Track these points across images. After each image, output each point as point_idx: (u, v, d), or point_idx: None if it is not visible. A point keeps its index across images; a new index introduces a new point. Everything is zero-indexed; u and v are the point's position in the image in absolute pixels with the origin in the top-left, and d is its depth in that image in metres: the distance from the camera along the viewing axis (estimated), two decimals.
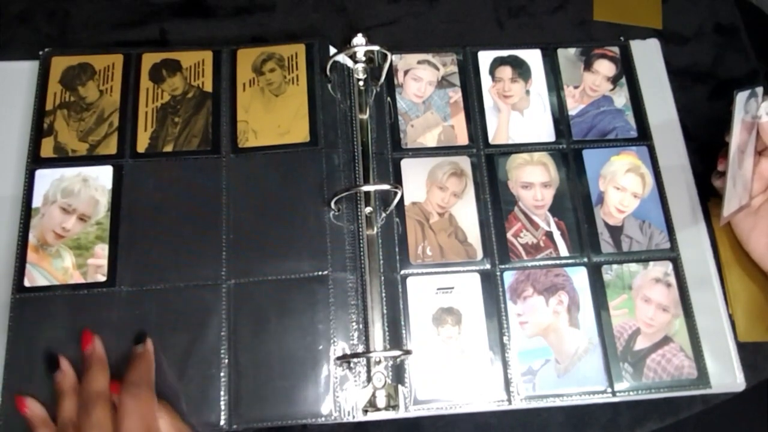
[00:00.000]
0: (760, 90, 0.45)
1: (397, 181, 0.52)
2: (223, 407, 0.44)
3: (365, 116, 0.53)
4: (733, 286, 0.51)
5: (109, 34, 0.58)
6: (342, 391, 0.45)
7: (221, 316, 0.46)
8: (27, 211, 0.48)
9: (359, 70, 0.54)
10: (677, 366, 0.47)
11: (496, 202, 0.52)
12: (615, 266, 0.50)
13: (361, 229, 0.49)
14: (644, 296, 0.49)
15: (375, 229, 0.50)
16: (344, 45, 0.53)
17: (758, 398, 0.48)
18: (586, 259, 0.50)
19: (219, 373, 0.45)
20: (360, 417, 0.45)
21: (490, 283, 0.49)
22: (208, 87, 0.53)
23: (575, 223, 0.51)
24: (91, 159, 0.50)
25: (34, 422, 0.42)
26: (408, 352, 0.46)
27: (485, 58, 0.57)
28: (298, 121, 0.52)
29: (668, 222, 0.52)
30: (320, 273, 0.47)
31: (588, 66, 0.57)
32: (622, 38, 0.59)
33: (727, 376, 0.47)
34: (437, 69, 0.56)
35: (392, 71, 0.55)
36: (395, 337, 0.47)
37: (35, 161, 0.50)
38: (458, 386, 0.46)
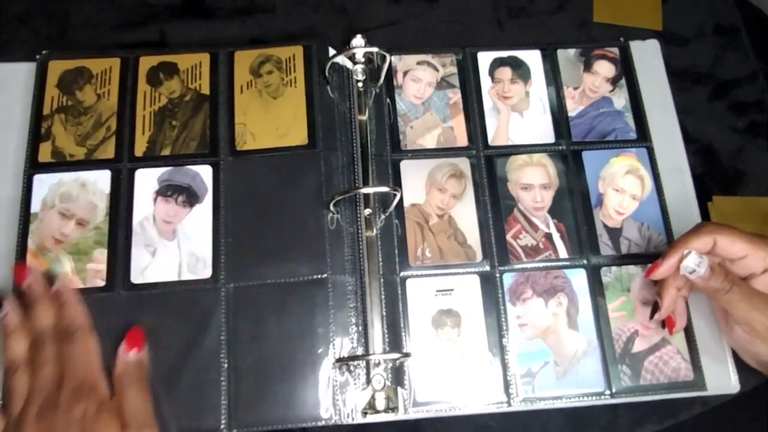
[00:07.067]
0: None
1: (397, 182, 0.52)
2: (223, 412, 0.44)
3: (364, 118, 0.53)
4: None
5: (109, 36, 0.58)
6: (341, 393, 0.45)
7: (220, 320, 0.46)
8: (26, 217, 0.48)
9: (358, 72, 0.54)
10: (674, 368, 0.47)
11: (495, 203, 0.52)
12: (614, 268, 0.50)
13: (360, 231, 0.49)
14: (643, 298, 0.49)
15: (374, 230, 0.50)
16: (344, 46, 0.53)
17: (756, 401, 0.48)
18: (585, 261, 0.50)
19: (219, 377, 0.45)
20: (359, 419, 0.45)
21: (490, 285, 0.49)
22: (206, 89, 0.53)
23: (574, 224, 0.51)
24: (89, 163, 0.50)
25: (9, 327, 0.42)
26: (407, 355, 0.46)
27: (485, 59, 0.57)
28: (297, 123, 0.52)
29: (667, 224, 0.52)
30: (319, 276, 0.47)
31: (588, 67, 0.57)
32: (621, 39, 0.58)
33: (722, 378, 0.47)
34: (437, 70, 0.56)
35: (391, 72, 0.55)
36: (395, 339, 0.47)
37: (33, 166, 0.50)
38: (458, 388, 0.46)
